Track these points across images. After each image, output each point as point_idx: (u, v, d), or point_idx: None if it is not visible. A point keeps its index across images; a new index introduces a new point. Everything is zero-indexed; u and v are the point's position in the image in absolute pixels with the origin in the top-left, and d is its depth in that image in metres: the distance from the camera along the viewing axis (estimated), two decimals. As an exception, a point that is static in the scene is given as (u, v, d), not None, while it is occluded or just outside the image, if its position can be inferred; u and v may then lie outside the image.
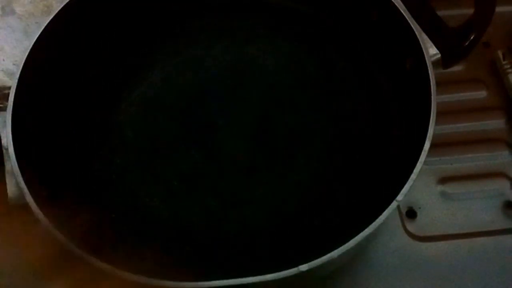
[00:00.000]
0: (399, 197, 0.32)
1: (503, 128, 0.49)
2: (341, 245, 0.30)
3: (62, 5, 0.42)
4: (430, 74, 0.37)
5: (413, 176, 0.33)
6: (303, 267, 0.29)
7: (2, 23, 0.49)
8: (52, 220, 0.32)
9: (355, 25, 0.47)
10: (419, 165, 0.33)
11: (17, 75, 0.38)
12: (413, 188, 0.33)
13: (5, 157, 0.36)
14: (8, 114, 0.36)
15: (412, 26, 0.39)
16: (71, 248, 0.31)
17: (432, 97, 0.36)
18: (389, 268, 0.42)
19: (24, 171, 0.34)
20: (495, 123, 0.50)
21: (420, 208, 0.45)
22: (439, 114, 0.35)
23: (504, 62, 0.51)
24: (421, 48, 0.38)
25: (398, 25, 0.40)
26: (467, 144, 0.48)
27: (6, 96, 0.38)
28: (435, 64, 0.39)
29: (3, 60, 0.47)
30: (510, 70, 0.50)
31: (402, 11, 0.40)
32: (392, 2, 0.41)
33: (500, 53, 0.51)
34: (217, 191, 0.41)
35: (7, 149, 0.35)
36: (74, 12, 0.42)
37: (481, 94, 0.51)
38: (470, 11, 0.40)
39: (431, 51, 0.39)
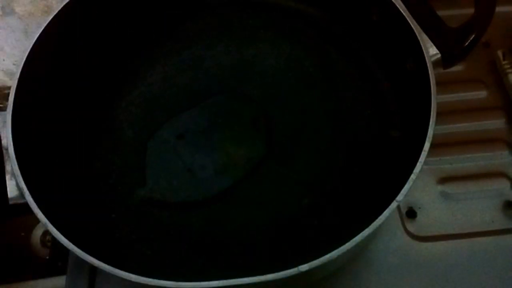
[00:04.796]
0: (399, 197, 0.32)
1: (503, 128, 0.49)
2: (341, 245, 0.30)
3: (62, 5, 0.42)
4: (430, 74, 0.37)
5: (413, 176, 0.33)
6: (303, 267, 0.29)
7: (2, 23, 0.49)
8: (52, 220, 0.32)
9: (355, 25, 0.47)
10: (419, 165, 0.33)
11: (17, 75, 0.38)
12: (413, 188, 0.33)
13: (5, 157, 0.36)
14: (8, 114, 0.36)
15: (412, 26, 0.39)
16: (71, 248, 0.31)
17: (432, 97, 0.36)
18: (389, 268, 0.42)
19: (24, 171, 0.34)
20: (495, 123, 0.50)
21: (420, 208, 0.45)
22: (439, 114, 0.35)
23: (504, 62, 0.51)
24: (421, 48, 0.38)
25: (398, 25, 0.40)
26: (467, 144, 0.48)
27: (6, 96, 0.38)
28: (435, 64, 0.39)
29: (3, 60, 0.47)
30: (510, 70, 0.50)
31: (402, 11, 0.40)
32: (392, 2, 0.41)
33: (500, 53, 0.51)
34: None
35: (7, 149, 0.35)
36: (74, 12, 0.42)
37: (481, 94, 0.51)
38: (470, 11, 0.40)
39: (431, 51, 0.39)
